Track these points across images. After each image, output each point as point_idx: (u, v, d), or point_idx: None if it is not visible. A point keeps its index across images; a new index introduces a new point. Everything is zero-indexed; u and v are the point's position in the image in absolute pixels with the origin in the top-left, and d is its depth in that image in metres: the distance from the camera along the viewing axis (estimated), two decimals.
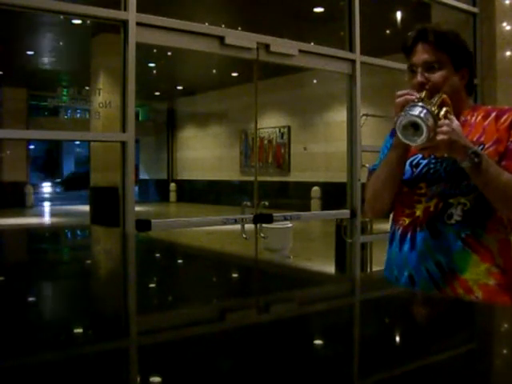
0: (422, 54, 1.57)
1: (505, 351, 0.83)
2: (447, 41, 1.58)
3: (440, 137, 1.42)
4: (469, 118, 1.61)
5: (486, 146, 1.53)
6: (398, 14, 9.26)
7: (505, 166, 1.50)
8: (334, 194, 6.56)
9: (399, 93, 1.52)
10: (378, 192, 1.65)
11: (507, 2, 4.91)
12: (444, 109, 1.50)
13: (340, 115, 9.58)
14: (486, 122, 1.57)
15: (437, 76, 1.55)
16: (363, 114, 4.23)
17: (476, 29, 4.91)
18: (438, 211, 1.55)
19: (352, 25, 4.02)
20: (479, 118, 1.60)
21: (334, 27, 5.27)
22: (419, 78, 1.56)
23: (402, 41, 1.64)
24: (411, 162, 1.63)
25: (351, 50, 4.02)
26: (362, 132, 4.09)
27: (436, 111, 1.46)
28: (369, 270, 4.78)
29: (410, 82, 1.60)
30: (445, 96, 1.52)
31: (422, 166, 1.61)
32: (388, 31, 10.22)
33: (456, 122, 1.47)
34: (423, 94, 1.51)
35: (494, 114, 1.58)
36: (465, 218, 1.53)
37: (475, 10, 4.91)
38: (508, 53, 4.89)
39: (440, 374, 0.70)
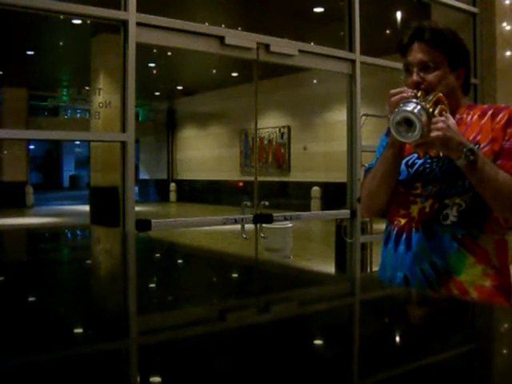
0: (417, 54, 1.56)
1: (504, 351, 0.83)
2: (443, 39, 1.56)
3: (435, 133, 1.42)
4: (464, 116, 1.60)
5: (482, 145, 1.52)
6: (398, 14, 9.25)
7: (500, 165, 1.48)
8: (334, 194, 6.56)
9: (393, 91, 1.51)
10: (374, 191, 1.64)
11: (507, 2, 4.91)
12: (439, 106, 1.49)
13: (340, 115, 9.59)
14: (483, 121, 1.56)
15: (432, 76, 1.54)
16: (363, 114, 4.23)
17: (476, 29, 4.91)
18: (433, 212, 1.54)
19: (352, 25, 4.02)
20: (475, 116, 1.58)
21: (334, 27, 5.27)
22: (415, 77, 1.55)
23: (398, 39, 1.63)
24: (406, 162, 1.62)
25: (351, 50, 4.03)
26: (362, 132, 4.09)
27: (431, 108, 1.45)
28: (369, 270, 4.78)
29: (405, 81, 1.59)
30: (440, 94, 1.51)
31: (417, 165, 1.60)
32: (388, 31, 10.22)
33: (452, 120, 1.46)
34: (419, 93, 1.51)
35: (489, 113, 1.56)
36: (460, 218, 1.51)
37: (475, 10, 4.91)
38: (508, 53, 4.89)
39: (439, 373, 0.70)
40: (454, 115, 1.56)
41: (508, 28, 4.89)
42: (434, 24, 1.61)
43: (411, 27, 1.59)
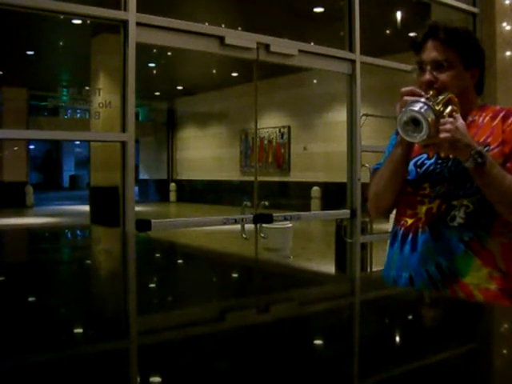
0: (431, 52, 1.54)
1: (505, 351, 0.83)
2: (458, 38, 1.54)
3: (443, 134, 1.41)
4: (477, 118, 1.58)
5: (492, 147, 1.51)
6: (398, 14, 9.25)
7: (509, 167, 1.48)
8: (334, 194, 6.56)
9: (404, 90, 1.50)
10: (381, 191, 1.63)
11: (507, 2, 4.91)
12: (450, 107, 1.47)
13: (340, 115, 9.59)
14: (494, 123, 1.55)
15: (445, 75, 1.53)
16: (363, 114, 4.23)
17: (476, 29, 4.91)
18: (440, 213, 1.53)
19: (352, 25, 4.01)
20: (487, 118, 1.57)
21: (334, 27, 5.27)
22: (428, 76, 1.54)
23: (412, 37, 1.60)
24: (416, 162, 1.60)
25: (351, 50, 4.02)
26: (362, 132, 4.09)
27: (441, 109, 1.44)
28: (369, 269, 4.78)
29: (418, 80, 1.57)
30: (451, 95, 1.50)
31: (426, 166, 1.59)
32: (388, 31, 10.23)
33: (461, 121, 1.45)
34: (431, 92, 1.49)
35: (501, 115, 1.55)
36: (468, 220, 1.50)
37: (475, 10, 4.90)
38: (508, 53, 4.89)
39: (440, 374, 0.70)
40: (466, 116, 1.55)
41: (508, 28, 4.88)
42: (448, 23, 1.59)
43: (426, 25, 1.58)
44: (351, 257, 4.11)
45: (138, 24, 2.98)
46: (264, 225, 3.70)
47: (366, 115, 4.53)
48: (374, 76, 6.46)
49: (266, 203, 3.72)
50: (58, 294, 1.17)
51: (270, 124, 16.14)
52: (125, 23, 2.95)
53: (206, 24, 3.60)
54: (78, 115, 12.02)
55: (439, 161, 1.57)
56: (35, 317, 0.95)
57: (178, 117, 21.11)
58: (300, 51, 3.76)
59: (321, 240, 10.55)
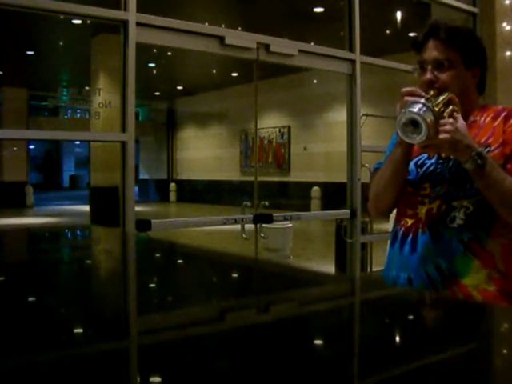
0: (432, 52, 1.54)
1: (505, 351, 0.83)
2: (459, 38, 1.54)
3: (442, 135, 1.40)
4: (478, 118, 1.58)
5: (492, 148, 1.50)
6: (398, 14, 9.26)
7: (509, 169, 1.47)
8: (334, 194, 6.56)
9: (404, 90, 1.49)
10: (381, 190, 1.62)
11: (507, 1, 4.91)
12: (450, 107, 1.46)
13: (340, 115, 9.59)
14: (495, 124, 1.54)
15: (446, 75, 1.52)
16: (363, 114, 4.23)
17: (476, 29, 4.91)
18: (440, 214, 1.52)
19: (352, 25, 4.01)
20: (488, 118, 1.56)
21: (334, 27, 5.27)
22: (428, 75, 1.53)
23: (413, 37, 1.60)
24: (416, 162, 1.60)
25: (351, 50, 4.02)
26: (362, 132, 4.09)
27: (442, 109, 1.43)
28: (369, 269, 4.78)
29: (419, 79, 1.57)
30: (452, 95, 1.49)
31: (426, 166, 1.58)
32: (388, 31, 10.23)
33: (461, 122, 1.44)
34: (431, 92, 1.48)
35: (503, 115, 1.54)
36: (467, 221, 1.50)
37: (475, 10, 4.90)
38: (508, 53, 4.89)
39: (440, 374, 0.70)
40: (468, 116, 1.55)
41: (508, 28, 4.88)
42: (449, 22, 1.58)
43: (427, 24, 1.57)
44: (351, 257, 4.10)
45: (138, 24, 2.98)
46: (264, 225, 3.70)
47: (366, 115, 4.53)
48: (374, 76, 6.46)
49: (266, 203, 3.72)
50: (58, 294, 1.17)
51: (269, 124, 16.14)
52: (125, 23, 2.95)
53: (206, 24, 3.60)
54: (78, 115, 12.01)
55: (440, 161, 1.57)
56: (35, 317, 0.95)
57: (177, 117, 21.12)
58: (300, 51, 3.76)
59: (321, 240, 10.55)
